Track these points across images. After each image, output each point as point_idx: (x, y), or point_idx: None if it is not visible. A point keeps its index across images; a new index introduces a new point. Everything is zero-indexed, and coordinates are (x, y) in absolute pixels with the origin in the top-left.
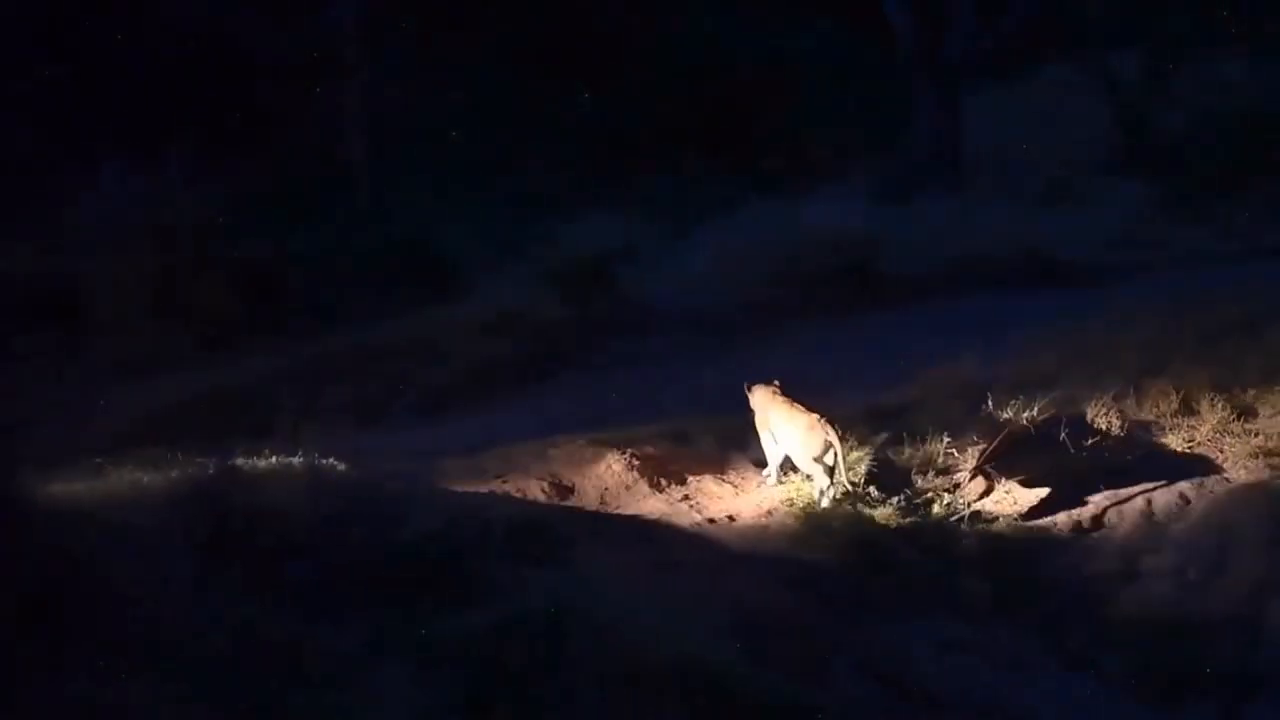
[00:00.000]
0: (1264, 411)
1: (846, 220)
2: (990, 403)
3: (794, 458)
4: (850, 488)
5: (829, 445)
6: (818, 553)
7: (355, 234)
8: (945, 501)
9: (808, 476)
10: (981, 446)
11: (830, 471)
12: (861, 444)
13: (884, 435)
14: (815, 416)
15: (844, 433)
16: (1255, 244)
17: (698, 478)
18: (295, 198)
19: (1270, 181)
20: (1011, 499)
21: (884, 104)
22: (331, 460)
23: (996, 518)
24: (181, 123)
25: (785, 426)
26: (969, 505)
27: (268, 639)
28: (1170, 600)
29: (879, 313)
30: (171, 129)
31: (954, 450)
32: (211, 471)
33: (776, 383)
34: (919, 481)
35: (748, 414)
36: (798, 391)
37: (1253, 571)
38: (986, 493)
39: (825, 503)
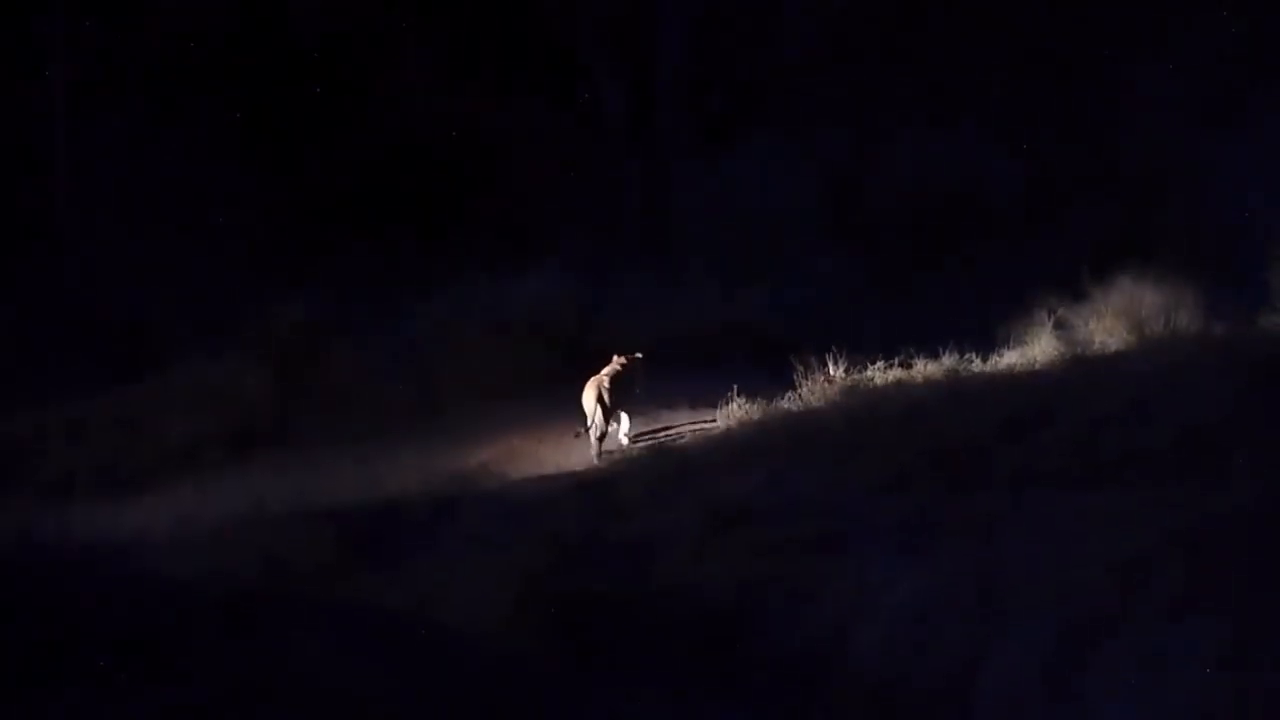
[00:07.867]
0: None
1: (555, 295)
2: None
3: None
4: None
5: (594, 403)
6: (528, 635)
7: (58, 305)
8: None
9: None
10: None
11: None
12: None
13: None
14: (597, 379)
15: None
16: (948, 319)
17: (410, 560)
18: None
19: (961, 258)
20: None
21: (595, 179)
22: (25, 537)
23: None
24: None
25: None
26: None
27: None
28: (881, 671)
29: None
30: None
31: None
32: None
33: (637, 355)
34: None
35: None
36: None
37: (963, 643)
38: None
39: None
